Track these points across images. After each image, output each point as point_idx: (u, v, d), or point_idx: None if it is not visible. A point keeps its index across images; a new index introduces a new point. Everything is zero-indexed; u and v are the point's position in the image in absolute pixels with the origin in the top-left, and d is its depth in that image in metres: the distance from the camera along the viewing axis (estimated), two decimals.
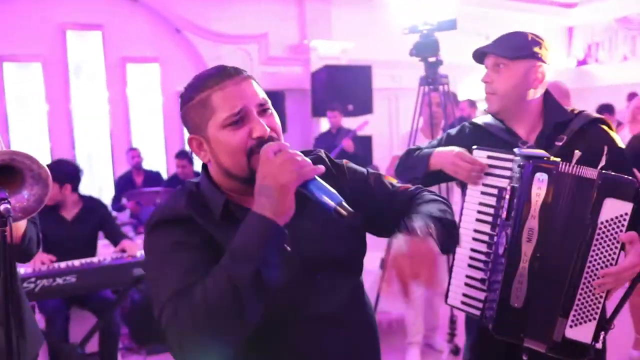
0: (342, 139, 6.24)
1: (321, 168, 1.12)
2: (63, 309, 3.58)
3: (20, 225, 1.91)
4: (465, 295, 1.82)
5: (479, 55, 1.91)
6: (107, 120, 6.93)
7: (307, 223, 1.25)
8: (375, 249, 4.22)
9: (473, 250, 1.81)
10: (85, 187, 6.75)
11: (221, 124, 1.18)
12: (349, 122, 6.72)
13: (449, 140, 2.03)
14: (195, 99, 1.21)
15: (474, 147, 1.83)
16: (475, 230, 1.81)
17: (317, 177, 1.11)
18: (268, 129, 1.18)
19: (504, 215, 1.74)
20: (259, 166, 1.11)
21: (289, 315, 1.22)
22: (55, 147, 6.59)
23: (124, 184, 6.16)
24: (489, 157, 1.79)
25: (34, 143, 6.47)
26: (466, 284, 1.82)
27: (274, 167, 1.08)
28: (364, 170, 1.43)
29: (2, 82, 6.29)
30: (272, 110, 1.24)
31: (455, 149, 1.86)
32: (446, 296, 1.88)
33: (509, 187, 1.73)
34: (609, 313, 1.70)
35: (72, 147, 6.73)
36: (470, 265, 1.81)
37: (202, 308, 1.04)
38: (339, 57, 7.91)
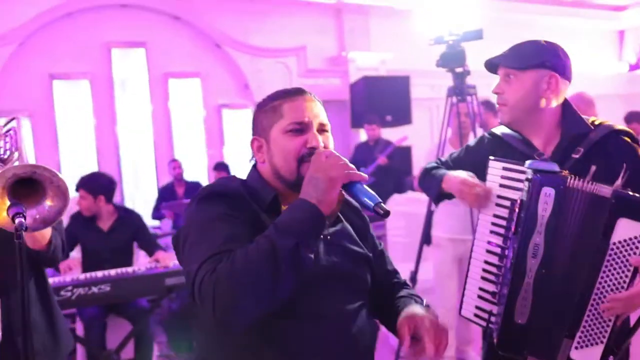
0: (380, 150, 6.24)
1: (365, 176, 1.26)
2: (100, 316, 3.70)
3: (46, 234, 2.01)
4: (477, 307, 1.80)
5: (492, 66, 1.89)
6: (150, 133, 7.15)
7: (341, 237, 1.41)
8: (406, 260, 4.21)
9: (486, 262, 1.79)
10: (131, 197, 7.03)
11: (284, 129, 1.35)
12: (387, 133, 6.71)
13: (468, 152, 2.03)
14: (269, 105, 1.40)
15: (491, 157, 1.81)
16: (489, 242, 1.78)
17: (361, 183, 1.25)
18: (322, 144, 1.34)
19: (513, 228, 1.71)
20: (310, 165, 1.26)
21: (302, 311, 1.30)
22: (101, 159, 6.83)
23: (166, 194, 6.33)
24: (505, 168, 1.77)
25: (82, 156, 6.73)
26: (479, 297, 1.80)
27: (326, 163, 1.23)
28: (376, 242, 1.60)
29: (52, 99, 6.57)
30: (330, 134, 1.40)
31: (462, 174, 1.85)
32: (460, 307, 1.86)
33: (519, 200, 1.70)
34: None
35: (117, 158, 6.96)
36: (483, 278, 1.79)
37: (242, 267, 1.14)
38: (377, 67, 7.92)
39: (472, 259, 1.84)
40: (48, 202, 1.74)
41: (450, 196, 1.96)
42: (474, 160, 1.96)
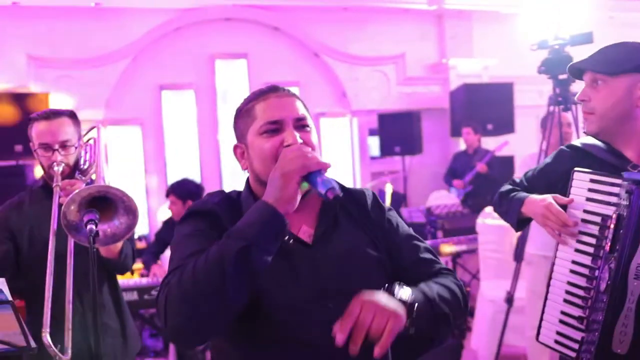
0: (479, 160, 6.00)
1: (327, 164, 1.16)
2: None
3: (117, 243, 2.11)
4: (559, 333, 1.63)
5: (577, 71, 1.73)
6: None
7: (332, 249, 1.27)
8: (499, 276, 3.97)
9: (570, 283, 1.61)
10: None
11: (258, 131, 1.28)
12: (489, 142, 6.43)
13: (544, 170, 1.89)
14: (243, 109, 1.35)
15: (576, 169, 1.65)
16: (574, 262, 1.61)
17: (322, 172, 1.15)
18: (300, 141, 1.24)
19: (607, 247, 1.53)
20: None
21: (289, 338, 1.21)
22: (204, 165, 7.13)
23: None
24: (592, 180, 1.60)
25: (186, 162, 7.07)
26: (561, 321, 1.63)
27: (284, 159, 1.16)
28: (404, 227, 1.42)
29: (160, 108, 6.96)
30: (312, 127, 1.31)
31: (547, 198, 1.70)
32: (538, 332, 1.70)
33: (614, 215, 1.52)
34: None
35: (218, 165, 7.23)
36: (566, 301, 1.62)
37: (189, 278, 1.10)
38: (480, 74, 7.63)
39: (553, 280, 1.68)
40: (119, 220, 1.86)
41: (531, 220, 1.84)
42: (551, 178, 1.83)
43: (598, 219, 1.57)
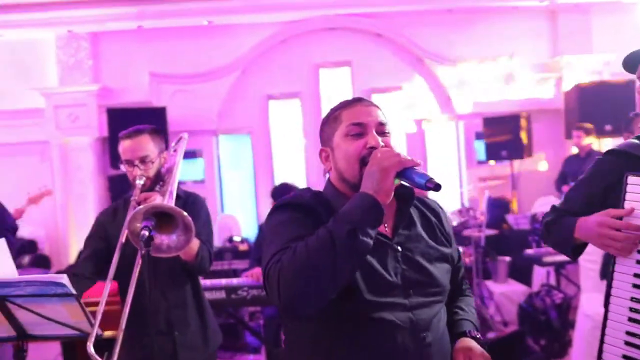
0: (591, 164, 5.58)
1: (418, 161, 1.30)
2: (277, 316, 4.00)
3: (194, 247, 2.28)
4: (625, 357, 1.52)
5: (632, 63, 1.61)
6: None
7: (410, 242, 1.44)
8: (599, 290, 3.67)
9: (634, 299, 1.50)
10: None
11: (345, 133, 1.41)
12: (608, 144, 5.97)
13: (584, 185, 1.77)
14: (331, 116, 1.49)
15: (628, 173, 1.53)
16: (636, 275, 1.50)
17: (414, 168, 1.29)
18: (382, 144, 1.36)
19: None
20: (368, 163, 1.31)
21: (374, 319, 1.34)
22: (309, 171, 7.35)
23: None
24: None
25: (292, 168, 7.34)
26: (627, 343, 1.52)
27: (380, 157, 1.29)
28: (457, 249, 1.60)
29: (267, 117, 7.30)
30: (391, 134, 1.45)
31: (600, 214, 1.57)
32: (599, 356, 1.60)
33: None
34: None
35: (323, 171, 7.41)
36: (631, 320, 1.51)
37: (303, 255, 1.23)
38: (600, 70, 7.09)
39: (613, 297, 1.57)
40: (177, 235, 2.03)
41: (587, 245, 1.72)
42: (593, 192, 1.69)
43: None
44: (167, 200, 2.19)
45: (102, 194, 6.92)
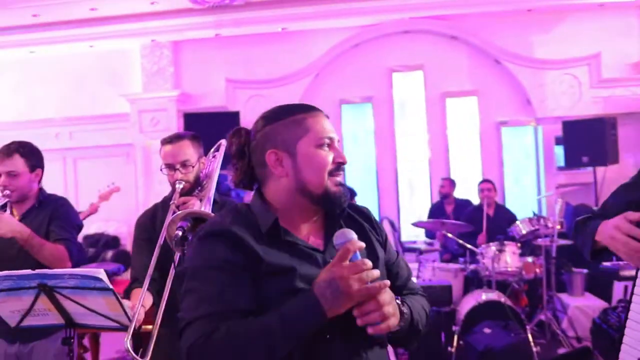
0: None
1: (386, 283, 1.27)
2: None
3: None
4: None
5: None
6: (426, 151, 7.34)
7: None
8: None
9: None
10: (406, 213, 7.33)
11: (315, 143, 1.36)
12: None
13: (622, 191, 1.67)
14: (287, 119, 1.39)
15: None
16: None
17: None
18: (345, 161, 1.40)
19: None
20: (335, 260, 1.25)
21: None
22: (381, 175, 7.32)
23: (435, 212, 6.43)
24: None
25: (364, 172, 7.33)
26: None
27: (353, 277, 1.23)
28: (391, 244, 1.56)
29: (340, 122, 7.33)
30: None
31: (619, 219, 1.47)
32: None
33: None
34: None
35: (395, 176, 7.36)
36: None
37: (238, 350, 1.21)
38: None
39: (630, 321, 1.48)
40: None
41: (609, 256, 1.63)
42: (632, 199, 1.57)
43: None
44: (204, 205, 2.26)
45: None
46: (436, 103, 7.27)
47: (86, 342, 4.46)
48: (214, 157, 2.60)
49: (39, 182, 2.86)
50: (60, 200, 2.88)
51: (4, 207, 2.73)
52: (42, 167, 2.86)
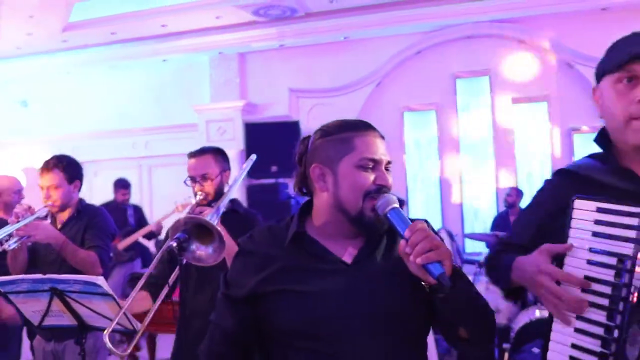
0: None
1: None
2: None
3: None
4: None
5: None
6: (492, 159, 7.09)
7: (371, 267, 1.36)
8: None
9: (575, 346, 1.26)
10: (471, 224, 7.10)
11: (356, 164, 1.35)
12: None
13: (530, 212, 1.53)
14: (336, 135, 1.40)
15: (576, 196, 1.30)
16: (574, 346, 1.26)
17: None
18: (392, 182, 1.38)
19: (634, 297, 1.21)
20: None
21: (316, 351, 1.33)
22: (444, 184, 7.16)
23: (499, 223, 6.22)
24: (600, 209, 1.26)
25: (427, 181, 7.20)
26: None
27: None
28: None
29: (402, 130, 7.26)
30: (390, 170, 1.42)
31: (538, 254, 1.30)
32: None
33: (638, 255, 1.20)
34: None
35: (459, 184, 7.17)
36: None
37: None
38: None
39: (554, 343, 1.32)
40: (212, 248, 2.15)
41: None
42: (541, 220, 1.46)
43: (612, 261, 1.23)
44: (211, 214, 2.34)
45: (242, 202, 7.48)
46: (503, 109, 7.02)
47: (143, 341, 4.71)
48: (243, 169, 2.69)
49: (78, 192, 3.08)
50: (96, 211, 3.08)
51: (45, 216, 2.96)
52: (80, 178, 3.07)
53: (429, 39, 7.10)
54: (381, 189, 1.33)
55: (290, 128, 6.80)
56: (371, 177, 1.34)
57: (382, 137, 1.42)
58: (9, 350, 3.76)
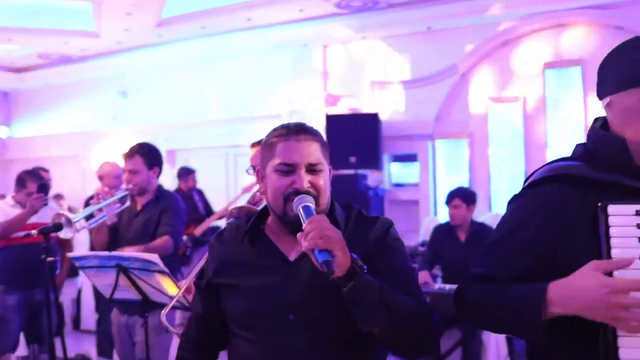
0: None
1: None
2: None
3: None
4: None
5: None
6: None
7: (310, 263, 1.36)
8: None
9: None
10: None
11: (274, 168, 1.46)
12: None
13: (510, 240, 1.32)
14: (266, 141, 1.52)
15: (603, 203, 1.20)
16: None
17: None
18: (307, 185, 1.42)
19: None
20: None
21: (255, 343, 1.43)
22: None
23: None
24: None
25: (511, 175, 6.94)
26: None
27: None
28: (403, 263, 1.49)
29: (487, 122, 7.01)
30: (325, 172, 1.46)
31: (601, 277, 1.13)
32: None
33: None
34: None
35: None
36: None
37: None
38: None
39: None
40: None
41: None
42: (539, 239, 1.27)
43: None
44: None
45: None
46: (597, 102, 6.57)
47: None
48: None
49: (157, 178, 3.29)
50: (172, 197, 3.30)
51: (123, 199, 3.20)
52: (159, 165, 3.28)
53: (517, 28, 6.80)
54: (297, 191, 1.39)
55: (370, 120, 6.80)
56: (289, 180, 1.41)
57: (311, 139, 1.44)
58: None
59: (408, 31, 7.17)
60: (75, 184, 8.89)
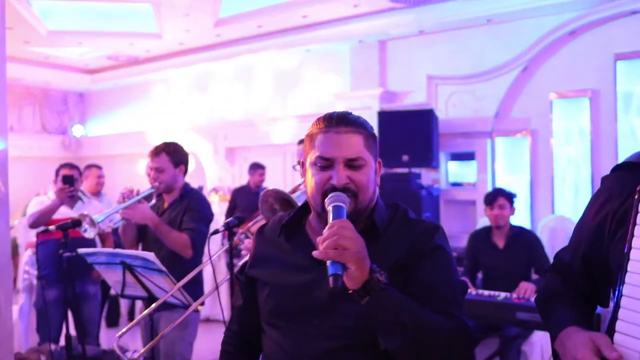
0: None
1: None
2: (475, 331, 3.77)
3: None
4: None
5: None
6: None
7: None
8: None
9: None
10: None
11: (313, 162, 1.39)
12: None
13: (578, 226, 1.35)
14: (309, 133, 1.45)
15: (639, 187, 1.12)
16: None
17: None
18: (345, 181, 1.34)
19: None
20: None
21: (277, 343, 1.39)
22: (595, 176, 6.42)
23: None
24: None
25: (574, 172, 6.52)
26: None
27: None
28: (442, 277, 1.34)
29: (550, 118, 6.61)
30: (367, 167, 1.37)
31: (582, 351, 1.10)
32: None
33: None
34: None
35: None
36: None
37: None
38: None
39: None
40: None
41: None
42: (597, 222, 1.25)
43: None
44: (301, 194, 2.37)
45: None
46: None
47: None
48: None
49: (183, 176, 3.32)
50: (197, 195, 3.31)
51: (149, 197, 3.25)
52: (185, 163, 3.31)
53: (585, 17, 6.36)
54: (334, 188, 1.31)
55: (424, 116, 6.59)
56: (326, 176, 1.33)
57: (353, 131, 1.35)
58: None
59: (467, 24, 6.90)
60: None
